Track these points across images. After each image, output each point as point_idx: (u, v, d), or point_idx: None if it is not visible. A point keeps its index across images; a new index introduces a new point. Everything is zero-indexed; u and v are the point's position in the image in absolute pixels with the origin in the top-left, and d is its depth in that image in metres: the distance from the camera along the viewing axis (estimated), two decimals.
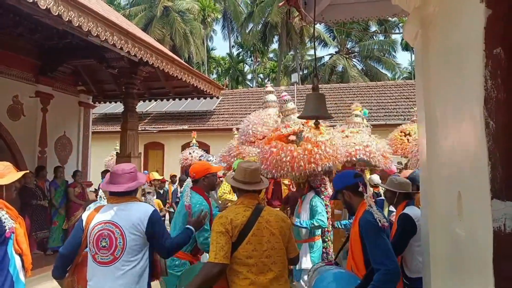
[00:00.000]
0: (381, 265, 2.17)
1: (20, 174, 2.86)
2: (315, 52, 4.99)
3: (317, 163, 4.10)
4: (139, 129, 8.26)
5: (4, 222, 2.61)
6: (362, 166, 5.73)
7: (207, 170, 3.38)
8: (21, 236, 2.77)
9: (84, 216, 2.64)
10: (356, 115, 5.43)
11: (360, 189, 2.44)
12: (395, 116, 13.95)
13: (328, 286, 2.40)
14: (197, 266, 2.82)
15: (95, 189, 8.16)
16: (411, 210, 3.14)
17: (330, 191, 4.47)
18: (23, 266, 2.78)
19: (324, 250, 4.31)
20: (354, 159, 4.80)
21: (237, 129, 8.58)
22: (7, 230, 2.62)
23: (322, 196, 4.38)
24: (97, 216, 2.51)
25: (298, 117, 3.88)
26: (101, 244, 2.41)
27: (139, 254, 2.42)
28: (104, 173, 8.78)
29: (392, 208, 3.90)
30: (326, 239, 4.35)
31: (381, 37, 30.00)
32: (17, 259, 2.73)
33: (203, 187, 3.34)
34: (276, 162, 4.22)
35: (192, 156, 8.01)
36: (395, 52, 31.03)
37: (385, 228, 2.28)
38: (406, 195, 3.29)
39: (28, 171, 3.84)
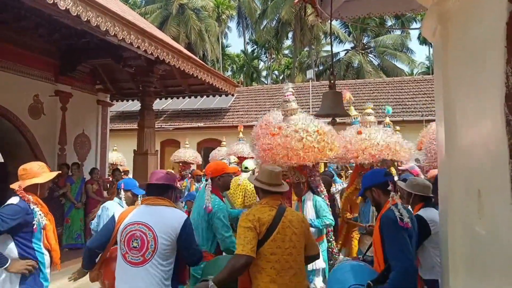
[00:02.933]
0: (397, 261, 2.17)
1: (54, 173, 3.04)
2: (331, 49, 4.88)
3: (309, 157, 4.09)
4: (156, 126, 8.37)
5: (35, 219, 2.74)
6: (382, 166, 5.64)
7: (223, 170, 3.44)
8: (50, 232, 2.91)
9: (117, 214, 2.73)
10: (369, 114, 5.34)
11: (390, 187, 2.44)
12: (412, 112, 13.73)
13: (344, 275, 2.43)
14: (220, 259, 2.87)
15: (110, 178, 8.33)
16: (425, 212, 3.10)
17: (325, 192, 4.56)
18: (51, 261, 2.90)
19: (330, 249, 4.34)
20: (377, 160, 4.71)
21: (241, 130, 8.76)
22: (35, 226, 2.74)
23: (323, 196, 4.40)
24: (131, 215, 2.57)
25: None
26: (132, 244, 2.45)
27: (168, 258, 2.47)
28: (114, 172, 8.93)
29: None
30: (330, 239, 4.38)
31: (398, 32, 29.53)
32: (46, 254, 2.85)
33: (217, 186, 3.38)
34: (273, 149, 4.21)
35: (241, 148, 8.11)
36: (411, 46, 30.54)
37: (408, 227, 2.26)
38: (423, 198, 3.24)
39: (60, 172, 4.06)
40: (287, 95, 4.83)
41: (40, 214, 2.79)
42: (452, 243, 2.03)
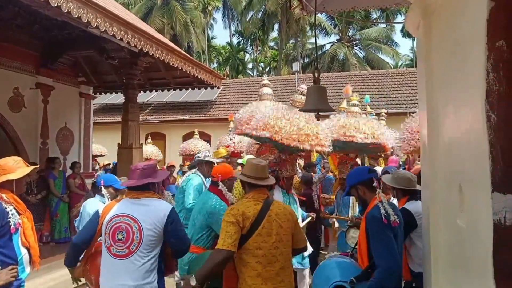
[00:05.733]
0: (381, 260, 2.19)
1: (30, 168, 2.89)
2: (316, 43, 4.86)
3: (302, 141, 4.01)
4: (140, 119, 8.25)
5: (10, 218, 2.64)
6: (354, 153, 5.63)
7: (231, 173, 3.59)
8: (28, 229, 2.80)
9: (101, 208, 2.69)
10: (354, 105, 5.38)
11: (374, 184, 2.46)
12: (396, 104, 13.90)
13: (330, 271, 2.47)
14: (206, 254, 2.87)
15: (93, 181, 8.07)
16: (411, 205, 3.11)
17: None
18: (30, 259, 2.82)
19: None
20: (353, 143, 4.68)
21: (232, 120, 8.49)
22: (12, 227, 2.64)
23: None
24: (115, 208, 2.55)
25: (300, 110, 3.86)
26: (117, 236, 2.43)
27: (154, 250, 2.46)
28: (115, 166, 8.78)
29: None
30: None
31: (383, 24, 29.74)
32: (25, 253, 2.77)
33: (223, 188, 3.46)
34: (263, 123, 4.05)
35: (233, 143, 7.82)
36: (396, 39, 30.81)
37: (394, 225, 2.28)
38: (407, 191, 3.23)
39: (37, 166, 3.87)
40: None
41: (12, 214, 2.66)
42: (434, 236, 2.07)
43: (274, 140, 3.92)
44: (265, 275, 2.35)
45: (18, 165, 2.82)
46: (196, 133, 10.70)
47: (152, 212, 2.47)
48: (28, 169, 2.86)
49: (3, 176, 2.72)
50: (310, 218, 4.27)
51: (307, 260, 4.23)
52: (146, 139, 11.35)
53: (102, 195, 3.86)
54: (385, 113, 9.71)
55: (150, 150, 10.61)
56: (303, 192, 5.44)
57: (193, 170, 4.85)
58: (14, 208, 2.71)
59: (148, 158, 10.02)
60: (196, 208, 3.46)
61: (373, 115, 8.93)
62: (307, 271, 4.25)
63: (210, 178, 3.75)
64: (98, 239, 2.69)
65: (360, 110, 5.52)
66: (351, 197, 4.58)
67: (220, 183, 3.44)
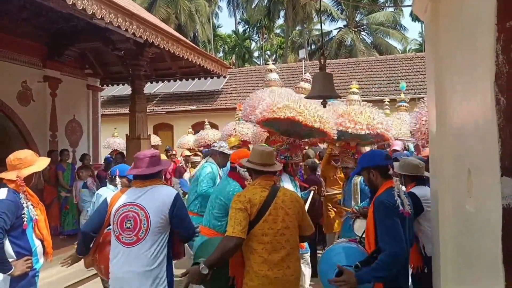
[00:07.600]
0: (386, 245, 2.20)
1: (48, 160, 2.98)
2: (321, 29, 4.77)
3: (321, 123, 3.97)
4: (148, 110, 8.28)
5: (24, 212, 2.68)
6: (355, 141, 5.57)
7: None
8: (42, 222, 2.86)
9: (109, 197, 2.74)
10: (353, 93, 5.29)
11: (391, 172, 2.45)
12: (406, 90, 13.71)
13: (336, 256, 2.49)
14: (212, 240, 2.90)
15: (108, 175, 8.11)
16: (418, 190, 3.11)
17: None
18: (44, 250, 2.87)
19: None
20: (347, 133, 4.63)
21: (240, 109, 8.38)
22: (25, 222, 2.69)
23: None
24: (122, 198, 2.60)
25: (305, 97, 3.83)
26: (125, 225, 2.49)
27: (162, 235, 2.51)
28: (119, 154, 8.86)
29: None
30: None
31: (390, 8, 29.22)
32: (38, 245, 2.82)
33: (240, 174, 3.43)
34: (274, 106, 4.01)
35: (236, 131, 7.79)
36: (404, 22, 30.25)
37: (405, 215, 2.28)
38: (414, 177, 3.24)
39: (49, 158, 3.93)
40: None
41: (28, 207, 2.71)
42: (443, 222, 2.06)
43: (296, 121, 3.86)
44: (271, 261, 2.37)
45: (35, 158, 2.87)
46: (207, 122, 10.48)
47: (158, 198, 2.52)
48: (47, 161, 2.94)
49: (25, 169, 2.74)
50: (312, 191, 4.18)
51: (307, 244, 4.25)
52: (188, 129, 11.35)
53: (115, 185, 3.89)
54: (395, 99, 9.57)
55: (192, 140, 10.27)
56: (308, 177, 5.44)
57: (206, 159, 4.92)
58: (29, 201, 2.75)
59: (191, 148, 10.00)
60: (214, 194, 3.47)
61: (405, 102, 8.80)
62: (307, 255, 4.29)
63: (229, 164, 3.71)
64: (106, 229, 2.73)
65: (360, 98, 5.39)
66: (352, 187, 4.54)
67: (240, 168, 3.38)
